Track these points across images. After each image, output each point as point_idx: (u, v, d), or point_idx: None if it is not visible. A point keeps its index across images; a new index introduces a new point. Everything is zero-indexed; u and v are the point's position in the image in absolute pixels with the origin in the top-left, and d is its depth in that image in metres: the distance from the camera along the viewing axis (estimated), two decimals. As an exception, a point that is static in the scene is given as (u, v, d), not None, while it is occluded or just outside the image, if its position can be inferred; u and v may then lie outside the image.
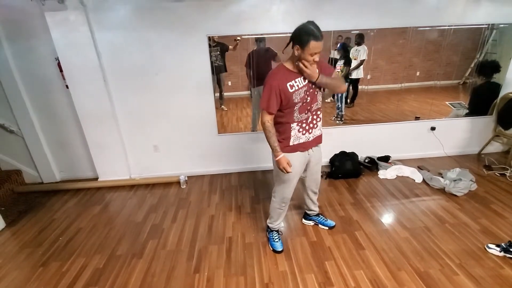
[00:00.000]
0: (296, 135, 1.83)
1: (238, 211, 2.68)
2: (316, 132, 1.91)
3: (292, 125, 1.80)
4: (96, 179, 3.37)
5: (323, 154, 3.43)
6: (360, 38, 3.09)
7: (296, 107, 1.74)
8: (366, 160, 3.37)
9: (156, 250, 2.21)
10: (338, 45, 3.15)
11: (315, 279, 1.87)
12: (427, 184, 2.96)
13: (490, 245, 2.05)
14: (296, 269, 1.96)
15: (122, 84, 2.96)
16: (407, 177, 3.11)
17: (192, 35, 2.81)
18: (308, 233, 2.30)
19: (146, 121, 3.14)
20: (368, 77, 3.29)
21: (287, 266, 1.98)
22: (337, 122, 3.46)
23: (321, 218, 2.38)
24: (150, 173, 3.37)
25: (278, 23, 2.82)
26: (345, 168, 3.10)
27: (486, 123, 3.53)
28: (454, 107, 3.54)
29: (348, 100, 3.45)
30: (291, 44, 1.65)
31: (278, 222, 2.16)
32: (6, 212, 2.79)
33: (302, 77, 1.71)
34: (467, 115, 3.50)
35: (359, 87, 3.38)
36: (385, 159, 3.37)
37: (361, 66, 3.24)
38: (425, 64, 3.27)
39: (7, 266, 2.12)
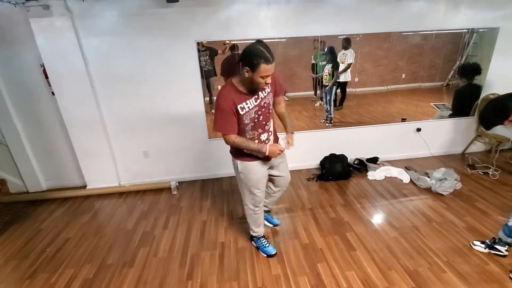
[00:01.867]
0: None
1: (230, 216, 2.67)
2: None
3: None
4: (84, 187, 3.30)
5: (314, 157, 3.55)
6: (347, 43, 3.16)
7: (247, 128, 1.71)
8: (356, 162, 3.43)
9: (147, 258, 2.18)
10: (326, 49, 3.21)
11: (308, 281, 1.89)
12: (415, 184, 3.03)
13: (475, 242, 2.12)
14: (289, 272, 1.97)
15: (110, 90, 2.93)
16: (395, 177, 3.18)
17: (181, 41, 2.81)
18: (300, 236, 2.32)
19: (135, 127, 3.11)
20: (356, 79, 3.36)
21: (280, 270, 1.99)
22: (327, 124, 3.51)
23: (269, 215, 2.47)
24: (140, 180, 3.33)
25: (266, 29, 2.86)
26: (335, 170, 3.15)
27: (468, 123, 3.65)
28: (439, 108, 3.65)
29: (337, 103, 3.52)
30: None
31: (260, 228, 2.14)
32: (-11, 223, 2.70)
33: (253, 98, 1.65)
34: (450, 116, 3.61)
35: (347, 89, 3.45)
36: (374, 160, 3.44)
37: (349, 70, 3.31)
38: (410, 66, 3.36)
39: (-9, 280, 2.05)
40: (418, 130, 3.55)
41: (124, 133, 3.12)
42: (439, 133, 3.66)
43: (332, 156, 3.32)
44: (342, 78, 3.36)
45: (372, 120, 3.53)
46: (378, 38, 3.16)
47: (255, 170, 1.86)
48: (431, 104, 3.64)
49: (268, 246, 2.13)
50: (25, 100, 2.98)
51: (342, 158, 3.26)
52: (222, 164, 3.40)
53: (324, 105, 3.52)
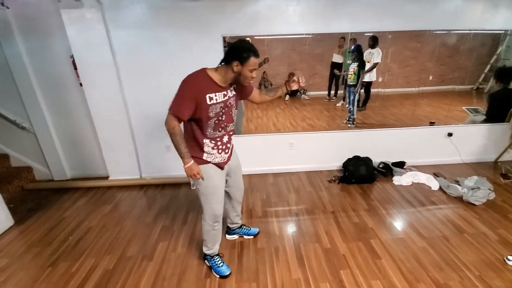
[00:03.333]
0: (210, 152, 1.70)
1: (249, 214, 2.63)
2: (230, 152, 1.83)
3: (204, 140, 1.66)
4: (106, 177, 3.36)
5: (335, 158, 3.44)
6: (373, 41, 3.04)
7: (209, 122, 1.60)
8: (381, 165, 3.29)
9: (166, 253, 2.17)
10: (353, 47, 3.10)
11: (331, 288, 1.81)
12: (444, 192, 2.87)
13: (509, 257, 1.97)
14: (310, 277, 1.90)
15: (135, 83, 2.94)
16: (423, 184, 3.02)
17: (207, 35, 2.78)
18: (322, 240, 2.24)
19: (159, 121, 3.09)
20: (380, 80, 3.23)
21: (300, 274, 1.92)
22: (349, 125, 3.40)
23: (244, 229, 2.29)
24: (160, 174, 3.35)
25: (294, 25, 2.78)
26: (359, 173, 3.03)
27: (503, 130, 3.43)
28: (471, 113, 3.45)
29: (360, 104, 3.39)
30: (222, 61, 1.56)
31: (216, 246, 1.97)
32: (15, 209, 2.78)
33: (223, 92, 1.59)
34: (484, 121, 3.40)
35: (371, 90, 3.32)
36: (400, 164, 3.29)
37: (374, 69, 3.18)
38: (438, 68, 3.21)
39: (13, 267, 2.09)
40: (450, 135, 3.36)
41: (147, 126, 3.14)
42: (471, 139, 3.46)
43: (356, 158, 3.20)
44: (366, 78, 3.24)
45: (397, 123, 3.38)
46: (406, 37, 3.02)
47: (213, 174, 1.73)
48: (463, 108, 3.44)
49: (222, 266, 1.94)
50: (54, 90, 3.05)
51: (366, 160, 3.14)
52: (246, 161, 3.35)
53: (347, 105, 3.40)
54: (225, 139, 1.73)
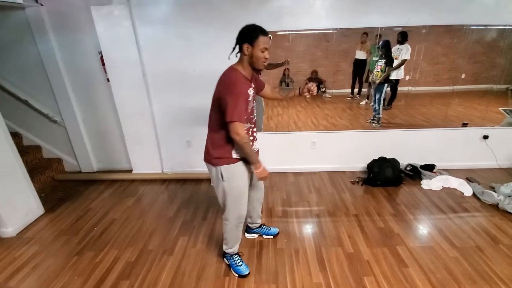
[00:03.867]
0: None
1: (269, 213, 2.59)
2: (256, 146, 1.81)
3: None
4: (130, 171, 3.45)
5: (359, 159, 3.31)
6: (402, 37, 2.87)
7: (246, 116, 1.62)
8: (408, 168, 3.13)
9: (186, 248, 2.18)
10: (381, 43, 2.95)
11: (353, 295, 1.74)
12: (478, 199, 2.68)
13: None
14: (331, 282, 1.83)
15: (159, 79, 2.98)
16: (455, 189, 2.84)
17: (231, 31, 2.71)
18: (344, 244, 2.16)
19: (181, 117, 3.15)
20: (407, 77, 3.07)
21: (321, 278, 1.86)
22: (373, 125, 3.26)
23: (264, 228, 2.27)
24: (181, 169, 3.39)
25: (321, 19, 2.69)
26: (385, 175, 2.90)
27: (546, 134, 3.15)
28: (508, 114, 3.19)
29: (385, 102, 3.23)
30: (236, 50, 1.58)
31: (236, 246, 1.95)
32: (46, 198, 2.92)
33: (252, 85, 1.62)
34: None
35: (398, 88, 3.15)
36: (430, 167, 3.11)
37: (402, 67, 3.01)
38: (472, 66, 2.99)
39: (43, 253, 2.19)
40: (485, 137, 3.14)
41: (170, 121, 3.18)
42: (508, 143, 3.20)
43: (382, 159, 3.06)
44: (394, 76, 3.08)
45: (426, 123, 3.20)
46: (438, 33, 2.82)
47: (241, 173, 1.72)
48: (500, 109, 3.19)
49: (241, 265, 1.92)
50: (83, 86, 3.16)
51: (393, 162, 3.00)
52: (267, 159, 3.31)
53: (372, 104, 3.26)
54: (251, 130, 1.74)
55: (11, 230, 2.38)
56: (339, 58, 2.97)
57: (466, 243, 2.12)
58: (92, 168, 3.57)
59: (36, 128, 3.40)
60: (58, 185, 3.28)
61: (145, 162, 3.35)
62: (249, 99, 1.57)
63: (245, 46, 1.51)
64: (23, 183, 2.53)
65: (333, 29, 2.74)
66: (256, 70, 1.61)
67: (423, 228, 2.31)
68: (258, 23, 2.67)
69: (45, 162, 3.46)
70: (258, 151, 1.84)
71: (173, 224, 2.48)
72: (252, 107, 1.68)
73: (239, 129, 1.49)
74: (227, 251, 1.96)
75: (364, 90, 3.26)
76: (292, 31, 2.76)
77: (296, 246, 2.16)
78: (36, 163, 3.39)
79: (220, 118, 1.56)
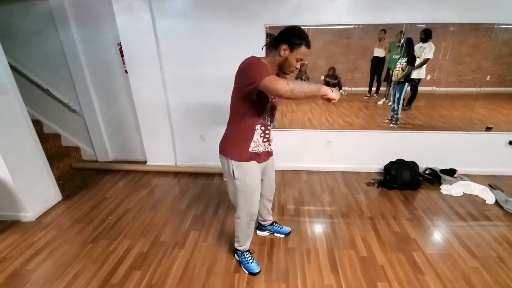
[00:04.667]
0: (258, 140, 1.63)
1: (281, 211, 2.56)
2: (271, 147, 1.76)
3: (257, 126, 1.59)
4: (144, 162, 3.49)
5: (374, 160, 3.22)
6: (426, 34, 2.74)
7: (267, 104, 1.55)
8: (427, 172, 3.01)
9: (197, 242, 2.19)
10: (403, 40, 2.83)
11: (366, 300, 1.69)
12: (501, 207, 2.55)
13: None
14: (344, 285, 1.79)
15: (176, 72, 2.98)
16: (476, 196, 2.71)
17: (249, 25, 2.71)
18: (358, 246, 2.10)
19: (196, 111, 3.15)
20: (428, 77, 2.94)
21: (333, 280, 1.82)
22: (391, 125, 3.15)
23: (276, 226, 2.23)
24: (194, 162, 3.40)
25: (342, 14, 2.60)
26: (402, 178, 2.80)
27: None
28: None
29: (404, 103, 3.11)
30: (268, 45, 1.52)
31: (248, 243, 1.94)
32: (63, 186, 3.00)
33: None
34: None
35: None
36: (450, 172, 2.98)
37: (424, 66, 2.89)
38: (497, 67, 2.83)
39: (60, 239, 2.25)
40: (511, 143, 2.97)
41: (184, 115, 3.19)
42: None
43: (400, 162, 2.96)
44: (415, 75, 2.95)
45: (446, 125, 3.07)
46: (463, 31, 2.68)
47: (253, 172, 1.66)
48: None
49: (252, 262, 1.90)
50: (101, 76, 3.20)
51: (411, 165, 2.89)
52: (279, 156, 3.28)
53: (391, 104, 3.14)
54: (269, 129, 1.67)
55: (30, 215, 2.46)
56: (357, 55, 2.88)
57: (487, 253, 2.02)
58: (108, 158, 3.64)
59: (56, 117, 3.49)
60: (75, 173, 3.37)
61: (159, 154, 3.38)
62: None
63: (283, 47, 1.42)
64: (43, 170, 2.60)
65: (354, 25, 2.65)
66: (281, 73, 1.56)
67: (442, 235, 2.22)
68: (277, 17, 2.67)
69: (64, 150, 3.56)
70: (272, 151, 1.79)
71: (184, 217, 2.50)
72: (275, 105, 1.62)
73: (279, 84, 1.26)
74: (238, 248, 1.95)
75: (382, 89, 3.15)
76: (311, 26, 2.69)
77: (308, 246, 2.12)
78: (55, 151, 3.48)
79: (242, 107, 1.52)
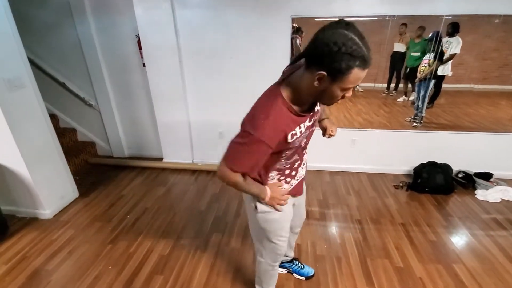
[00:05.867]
0: (280, 183, 1.22)
1: (307, 214, 2.42)
2: (302, 172, 1.28)
3: (270, 174, 1.17)
4: (160, 159, 3.40)
5: (401, 161, 3.04)
6: (453, 28, 2.54)
7: (283, 158, 1.11)
8: (460, 175, 2.83)
9: (220, 245, 2.08)
10: (431, 34, 2.64)
11: (406, 316, 1.56)
12: (544, 215, 2.37)
13: None
14: (380, 298, 1.66)
15: (195, 66, 2.86)
16: (516, 202, 2.54)
17: (274, 16, 2.55)
18: (392, 256, 1.96)
19: (214, 106, 3.02)
20: (450, 74, 2.76)
21: (368, 292, 1.70)
22: (414, 125, 2.96)
23: (296, 265, 1.81)
24: (212, 160, 3.29)
25: (375, 4, 2.42)
26: (435, 182, 2.63)
27: None
28: None
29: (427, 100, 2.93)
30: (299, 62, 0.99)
31: (273, 286, 1.59)
32: (80, 182, 2.92)
33: (307, 119, 1.04)
34: None
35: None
36: (486, 176, 2.79)
37: (450, 61, 2.70)
38: None
39: (79, 238, 2.18)
40: (555, 146, 2.76)
41: (203, 111, 3.07)
42: None
43: (432, 164, 2.79)
44: (440, 71, 2.76)
45: (474, 125, 2.88)
46: (490, 25, 2.47)
47: (283, 206, 1.24)
48: None
49: None
50: (118, 70, 3.10)
51: (445, 168, 2.72)
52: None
53: (415, 101, 2.96)
54: (298, 162, 1.20)
55: (48, 212, 2.39)
56: (372, 50, 2.69)
57: (535, 267, 1.86)
58: (124, 154, 3.56)
59: (72, 111, 3.42)
60: (91, 169, 3.31)
61: (176, 151, 3.28)
62: (291, 140, 1.01)
63: (318, 75, 0.84)
64: (60, 165, 2.53)
65: (389, 16, 2.47)
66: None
67: (483, 245, 2.05)
68: (304, 8, 2.49)
69: (80, 145, 3.50)
70: (303, 179, 1.34)
71: (205, 218, 2.39)
72: (306, 138, 1.12)
73: (228, 176, 1.02)
74: None
75: (401, 86, 3.00)
76: (342, 17, 2.51)
77: (338, 254, 1.99)
78: (72, 146, 3.42)
79: None
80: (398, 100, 3.06)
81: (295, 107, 0.97)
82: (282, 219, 1.27)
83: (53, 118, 3.37)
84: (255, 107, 1.00)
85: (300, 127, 1.02)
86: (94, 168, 3.33)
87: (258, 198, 1.16)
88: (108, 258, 1.98)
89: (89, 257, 2.00)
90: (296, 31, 2.68)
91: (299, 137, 1.03)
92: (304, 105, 1.00)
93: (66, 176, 2.60)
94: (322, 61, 0.81)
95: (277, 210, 1.20)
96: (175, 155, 3.31)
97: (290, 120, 0.98)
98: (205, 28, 2.68)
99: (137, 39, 2.83)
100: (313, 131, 1.15)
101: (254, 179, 1.16)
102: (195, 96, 3.01)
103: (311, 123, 1.08)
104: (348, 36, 0.78)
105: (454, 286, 1.73)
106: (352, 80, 0.83)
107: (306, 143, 1.17)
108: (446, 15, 2.46)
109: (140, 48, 2.85)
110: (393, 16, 2.48)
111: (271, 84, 1.04)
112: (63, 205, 2.55)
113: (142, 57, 2.88)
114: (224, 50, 2.75)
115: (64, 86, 3.20)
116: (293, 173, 1.21)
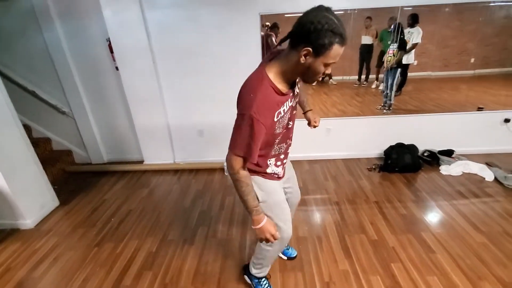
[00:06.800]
0: (273, 170, 1.35)
1: (287, 202, 2.54)
2: (277, 170, 1.38)
3: (269, 161, 1.30)
4: (141, 162, 3.40)
5: (373, 146, 3.25)
6: (413, 19, 2.76)
7: (277, 139, 1.21)
8: (426, 154, 3.06)
9: (207, 238, 2.15)
10: (392, 26, 2.84)
11: (382, 281, 1.70)
12: (500, 183, 2.62)
13: None
14: (358, 269, 1.80)
15: (169, 66, 2.89)
16: (475, 174, 2.78)
17: (244, 13, 2.64)
18: (368, 231, 2.12)
19: (191, 105, 3.07)
20: (415, 63, 2.99)
21: (348, 265, 1.83)
22: (384, 111, 3.17)
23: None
24: (193, 159, 3.33)
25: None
26: (403, 162, 2.84)
27: None
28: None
29: (395, 88, 3.15)
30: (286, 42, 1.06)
31: (269, 268, 1.68)
32: (59, 190, 2.85)
33: (289, 97, 1.15)
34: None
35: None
36: (448, 153, 3.04)
37: (413, 51, 2.92)
38: (482, 49, 2.90)
39: (63, 245, 2.17)
40: (507, 121, 3.05)
41: (180, 110, 3.11)
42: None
43: (400, 146, 3.00)
44: (404, 60, 2.98)
45: (438, 108, 3.13)
46: (447, 14, 2.72)
47: (277, 187, 1.39)
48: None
49: None
50: (91, 75, 3.07)
51: (412, 148, 2.93)
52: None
53: (383, 90, 3.17)
54: (285, 147, 1.34)
55: (29, 222, 2.35)
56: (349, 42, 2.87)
57: (493, 228, 2.08)
58: (103, 160, 3.52)
59: (45, 120, 3.33)
60: (69, 177, 3.25)
61: (156, 153, 3.30)
62: (277, 119, 1.11)
63: (305, 51, 0.95)
64: (38, 175, 2.49)
65: (351, 9, 2.63)
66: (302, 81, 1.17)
67: (447, 214, 2.26)
68: (272, 4, 2.60)
69: (55, 154, 3.41)
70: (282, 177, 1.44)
71: (190, 214, 2.45)
72: (291, 118, 1.23)
73: (235, 163, 1.12)
74: (257, 275, 1.66)
75: (372, 76, 3.19)
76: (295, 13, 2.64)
77: (319, 234, 2.12)
78: (47, 156, 3.33)
79: None
80: (372, 86, 3.25)
81: (279, 86, 1.08)
82: (280, 199, 1.40)
83: (26, 128, 3.23)
84: (244, 89, 1.11)
85: (284, 106, 1.13)
86: (72, 176, 3.27)
87: (249, 213, 1.22)
88: (95, 260, 1.99)
89: (76, 261, 2.00)
90: (271, 28, 2.77)
91: (283, 116, 1.14)
92: (288, 83, 1.12)
93: (44, 185, 2.57)
94: (309, 38, 0.93)
95: (266, 242, 1.27)
96: (155, 156, 3.32)
97: (276, 99, 1.09)
98: (176, 28, 2.72)
99: (108, 42, 2.82)
100: (295, 113, 1.27)
101: (255, 170, 1.28)
102: (171, 96, 3.04)
103: (292, 103, 1.19)
104: (329, 17, 0.92)
105: (423, 251, 1.90)
106: (332, 55, 0.96)
107: (292, 125, 1.29)
108: (405, 6, 2.65)
109: (111, 52, 2.84)
110: (354, 10, 2.64)
111: (257, 67, 1.16)
112: (44, 214, 2.51)
113: (114, 60, 2.87)
114: (198, 49, 2.81)
115: (34, 95, 3.12)
116: (284, 158, 1.37)
